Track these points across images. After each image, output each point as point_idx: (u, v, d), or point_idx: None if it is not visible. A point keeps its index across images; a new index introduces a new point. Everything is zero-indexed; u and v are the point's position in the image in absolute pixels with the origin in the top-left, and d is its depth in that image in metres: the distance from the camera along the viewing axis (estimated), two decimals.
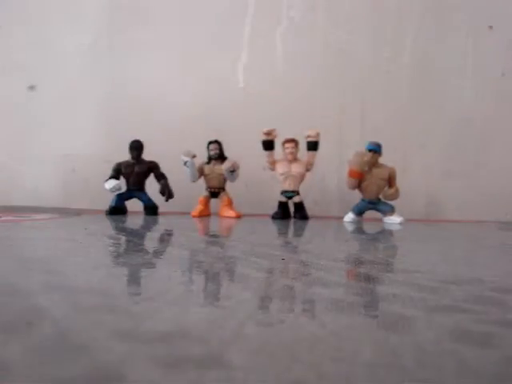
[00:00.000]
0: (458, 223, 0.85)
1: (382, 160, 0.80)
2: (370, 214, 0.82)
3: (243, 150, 0.90)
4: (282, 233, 0.63)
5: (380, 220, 0.80)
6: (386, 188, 0.80)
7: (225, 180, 0.88)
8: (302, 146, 0.84)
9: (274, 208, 0.85)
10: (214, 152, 0.87)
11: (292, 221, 0.80)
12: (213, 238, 0.56)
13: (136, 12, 1.09)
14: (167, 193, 0.87)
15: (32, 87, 1.15)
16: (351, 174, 0.79)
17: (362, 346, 0.17)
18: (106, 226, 0.68)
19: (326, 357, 0.16)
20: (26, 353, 0.15)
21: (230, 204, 0.87)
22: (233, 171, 0.86)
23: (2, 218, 0.72)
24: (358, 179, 0.79)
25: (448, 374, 0.15)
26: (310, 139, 0.83)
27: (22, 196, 1.13)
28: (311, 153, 0.84)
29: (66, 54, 1.13)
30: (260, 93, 1.03)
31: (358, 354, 0.16)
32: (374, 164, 0.78)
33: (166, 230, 0.66)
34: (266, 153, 0.84)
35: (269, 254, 0.39)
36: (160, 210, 0.90)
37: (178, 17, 1.08)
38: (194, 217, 0.85)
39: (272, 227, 0.69)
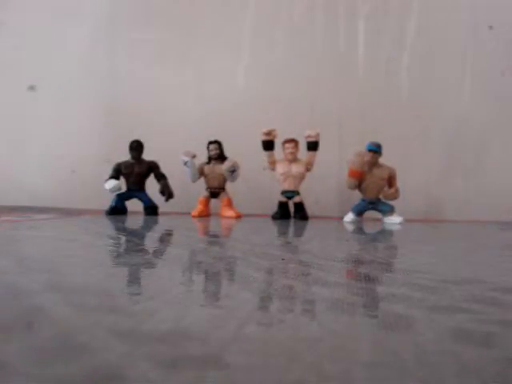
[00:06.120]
0: (458, 223, 0.85)
1: (382, 160, 0.80)
2: (370, 213, 0.82)
3: (243, 150, 0.90)
4: (282, 233, 0.63)
5: (380, 220, 0.80)
6: (386, 188, 0.80)
7: (225, 180, 0.88)
8: (302, 146, 0.84)
9: (273, 208, 0.85)
10: (214, 152, 0.87)
11: (292, 221, 0.80)
12: (213, 238, 0.56)
13: (136, 12, 1.09)
14: (167, 193, 0.87)
15: (32, 87, 1.15)
16: (351, 173, 0.79)
17: (361, 346, 0.17)
18: (106, 225, 0.68)
19: (325, 357, 0.16)
20: (26, 353, 0.15)
21: (229, 204, 0.87)
22: (233, 171, 0.86)
23: (2, 218, 0.72)
24: (358, 179, 0.79)
25: (448, 373, 0.14)
26: (309, 139, 0.83)
27: (22, 196, 1.13)
28: (311, 153, 0.83)
29: (66, 54, 1.13)
30: (260, 93, 1.03)
31: (357, 354, 0.16)
32: (374, 164, 0.79)
33: (166, 230, 0.66)
34: (266, 153, 0.84)
35: (269, 254, 0.39)
36: (160, 210, 0.90)
37: (178, 17, 1.08)
38: (194, 217, 0.85)
39: (272, 227, 0.69)
